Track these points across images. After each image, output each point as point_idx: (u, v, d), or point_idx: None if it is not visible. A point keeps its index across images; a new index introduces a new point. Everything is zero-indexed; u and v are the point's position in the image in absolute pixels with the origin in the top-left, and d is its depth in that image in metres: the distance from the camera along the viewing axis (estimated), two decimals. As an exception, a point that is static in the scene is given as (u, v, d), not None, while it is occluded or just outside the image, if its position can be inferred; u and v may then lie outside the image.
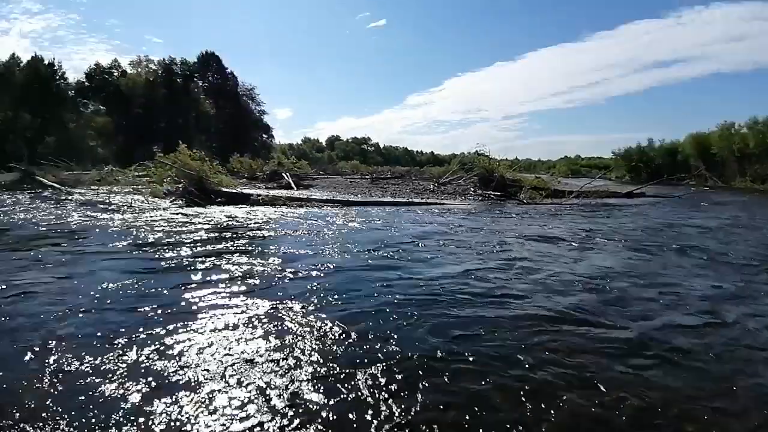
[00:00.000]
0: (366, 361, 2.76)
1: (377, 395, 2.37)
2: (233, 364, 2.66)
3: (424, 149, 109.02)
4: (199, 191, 12.79)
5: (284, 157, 30.32)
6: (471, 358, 2.85)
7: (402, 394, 2.40)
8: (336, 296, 4.01)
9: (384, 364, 2.72)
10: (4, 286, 4.11)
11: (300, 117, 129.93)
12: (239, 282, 4.42)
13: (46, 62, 42.67)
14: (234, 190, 14.11)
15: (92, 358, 2.68)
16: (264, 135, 57.49)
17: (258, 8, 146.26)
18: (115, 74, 47.51)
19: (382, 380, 2.53)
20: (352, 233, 7.78)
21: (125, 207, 11.33)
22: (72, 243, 6.55)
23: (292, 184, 19.36)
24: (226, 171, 17.75)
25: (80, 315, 3.42)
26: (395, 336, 3.16)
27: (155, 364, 2.64)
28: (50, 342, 2.91)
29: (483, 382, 2.56)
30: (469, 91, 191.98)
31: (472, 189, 18.69)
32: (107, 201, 12.84)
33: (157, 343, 2.93)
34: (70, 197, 14.01)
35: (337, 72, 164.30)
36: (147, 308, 3.57)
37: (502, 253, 6.29)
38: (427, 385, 2.50)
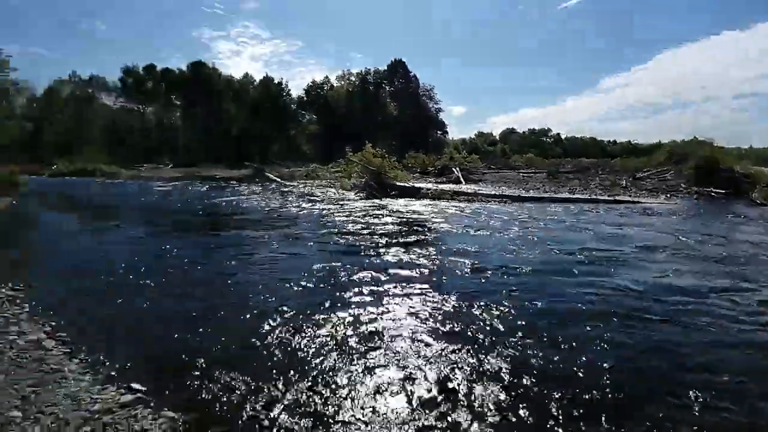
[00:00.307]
0: (565, 380, 2.38)
1: (577, 425, 2.01)
2: (418, 352, 2.72)
3: (617, 138, 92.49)
4: (377, 185, 14.15)
5: (455, 152, 30.60)
6: (713, 391, 2.23)
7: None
8: (529, 299, 3.67)
9: (592, 387, 2.29)
10: (243, 261, 5.31)
11: (474, 113, 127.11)
12: (424, 272, 4.55)
13: (275, 81, 55.32)
14: (406, 184, 15.03)
15: (302, 326, 3.14)
16: (438, 132, 59.73)
17: (444, 9, 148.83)
18: (326, 88, 57.54)
19: (584, 407, 2.14)
20: (534, 232, 7.12)
21: (323, 197, 13.50)
22: (290, 226, 8.11)
23: (461, 179, 19.35)
24: (401, 166, 19.12)
25: (297, 288, 4.05)
26: (609, 356, 2.65)
27: (349, 338, 2.92)
28: (277, 307, 3.55)
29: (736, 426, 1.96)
30: (684, 66, 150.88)
31: (683, 185, 14.82)
32: (311, 192, 15.60)
33: (352, 319, 3.24)
34: (285, 189, 17.64)
35: (521, 61, 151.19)
36: (346, 288, 4.01)
37: (762, 273, 4.66)
38: (654, 421, 2.02)
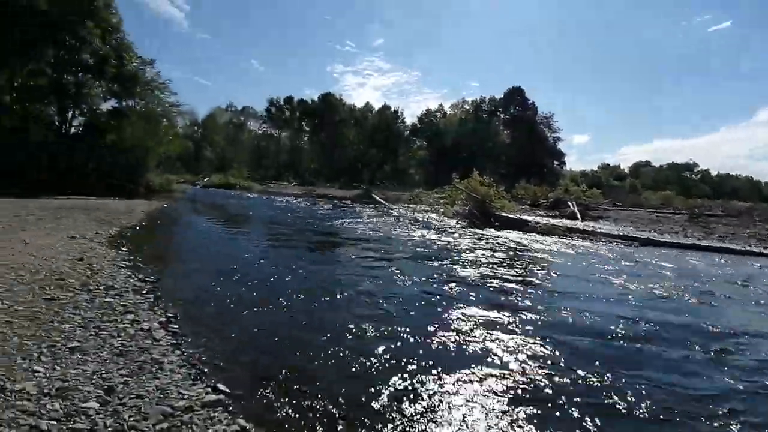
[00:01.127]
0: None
1: None
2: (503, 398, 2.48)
3: (772, 180, 73.36)
4: (481, 214, 13.62)
5: (573, 184, 27.95)
6: None
7: None
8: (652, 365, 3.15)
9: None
10: (355, 283, 5.52)
11: (600, 142, 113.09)
12: (517, 319, 4.17)
13: (392, 110, 58.95)
14: (512, 216, 14.14)
15: (398, 361, 3.08)
16: (555, 162, 55.61)
17: (572, 30, 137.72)
18: (438, 116, 59.08)
19: None
20: (664, 286, 5.98)
21: (426, 224, 13.52)
22: (387, 246, 8.31)
23: (577, 214, 17.49)
24: (509, 197, 18.17)
25: (400, 318, 4.02)
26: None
27: (437, 385, 2.78)
28: (378, 338, 3.55)
29: None
30: None
31: None
32: (414, 217, 15.76)
33: (441, 360, 3.07)
34: (392, 211, 18.19)
35: (661, 86, 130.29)
36: (442, 323, 3.90)
37: None
38: None
